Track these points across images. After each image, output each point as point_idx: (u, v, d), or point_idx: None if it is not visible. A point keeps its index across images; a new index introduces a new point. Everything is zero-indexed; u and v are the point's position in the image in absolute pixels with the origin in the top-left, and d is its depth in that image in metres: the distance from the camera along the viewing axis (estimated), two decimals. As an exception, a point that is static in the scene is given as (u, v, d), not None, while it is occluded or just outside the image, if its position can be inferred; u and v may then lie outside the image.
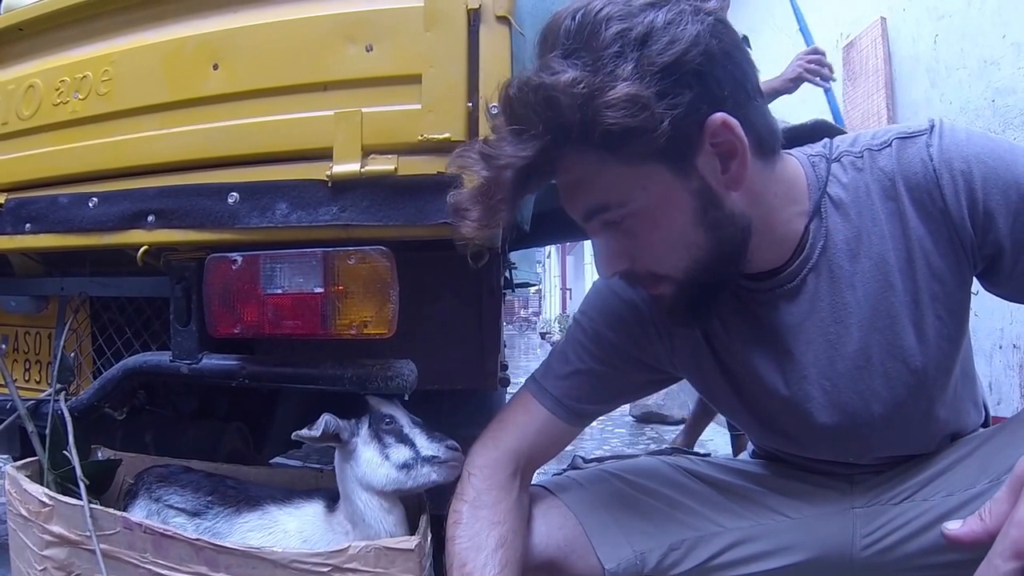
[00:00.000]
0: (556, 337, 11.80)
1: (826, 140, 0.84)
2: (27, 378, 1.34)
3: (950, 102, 2.65)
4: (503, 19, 0.95)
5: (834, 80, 2.24)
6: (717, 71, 0.68)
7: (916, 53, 2.90)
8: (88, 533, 0.89)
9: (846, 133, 0.87)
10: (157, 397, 1.36)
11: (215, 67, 1.04)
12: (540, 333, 15.99)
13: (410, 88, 0.96)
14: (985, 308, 2.09)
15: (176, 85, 1.07)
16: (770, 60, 2.38)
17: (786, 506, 0.93)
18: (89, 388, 1.15)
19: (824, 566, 0.91)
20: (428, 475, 0.91)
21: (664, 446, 2.82)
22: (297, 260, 0.97)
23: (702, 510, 0.93)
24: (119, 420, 1.18)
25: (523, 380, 0.97)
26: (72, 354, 1.24)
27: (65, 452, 1.03)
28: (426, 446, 0.92)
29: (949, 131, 0.76)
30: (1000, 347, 2.36)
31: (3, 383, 1.25)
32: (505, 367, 1.94)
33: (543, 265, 15.79)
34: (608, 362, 0.91)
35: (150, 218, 1.05)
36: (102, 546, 0.88)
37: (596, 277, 0.92)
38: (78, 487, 0.96)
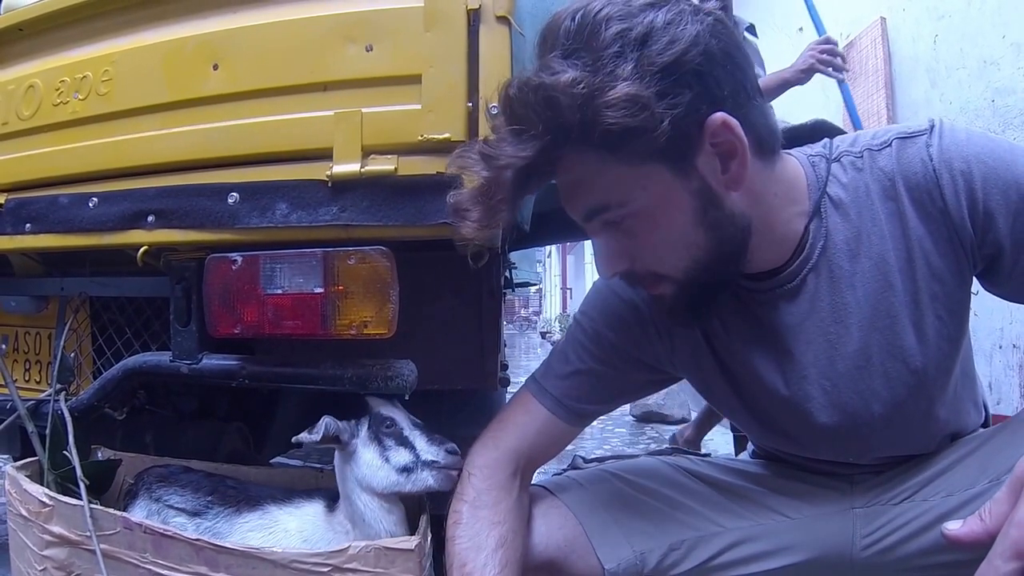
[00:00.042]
0: (556, 336, 11.80)
1: (826, 140, 0.84)
2: (27, 378, 1.34)
3: (950, 102, 2.65)
4: (503, 19, 0.95)
5: (847, 71, 2.19)
6: (717, 71, 0.68)
7: (916, 53, 2.90)
8: (88, 533, 0.89)
9: (847, 133, 0.87)
10: (157, 397, 1.36)
11: (215, 67, 1.04)
12: (540, 332, 15.99)
13: (410, 88, 0.96)
14: (985, 308, 2.09)
15: (176, 85, 1.07)
16: (770, 60, 2.37)
17: (786, 506, 0.93)
18: (89, 388, 1.15)
19: (824, 566, 0.91)
20: (427, 480, 0.91)
21: (664, 446, 2.83)
22: (297, 260, 0.97)
23: (702, 510, 0.93)
24: (119, 420, 1.18)
25: (523, 380, 0.97)
26: (72, 354, 1.24)
27: (65, 452, 1.03)
28: (426, 449, 0.92)
29: (949, 131, 0.76)
30: (1000, 347, 2.36)
31: (3, 383, 1.25)
32: (505, 367, 1.94)
33: (543, 264, 15.79)
34: (608, 362, 0.91)
35: (150, 218, 1.05)
36: (102, 546, 0.88)
37: (596, 277, 0.92)
38: (78, 487, 0.96)
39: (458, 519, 0.84)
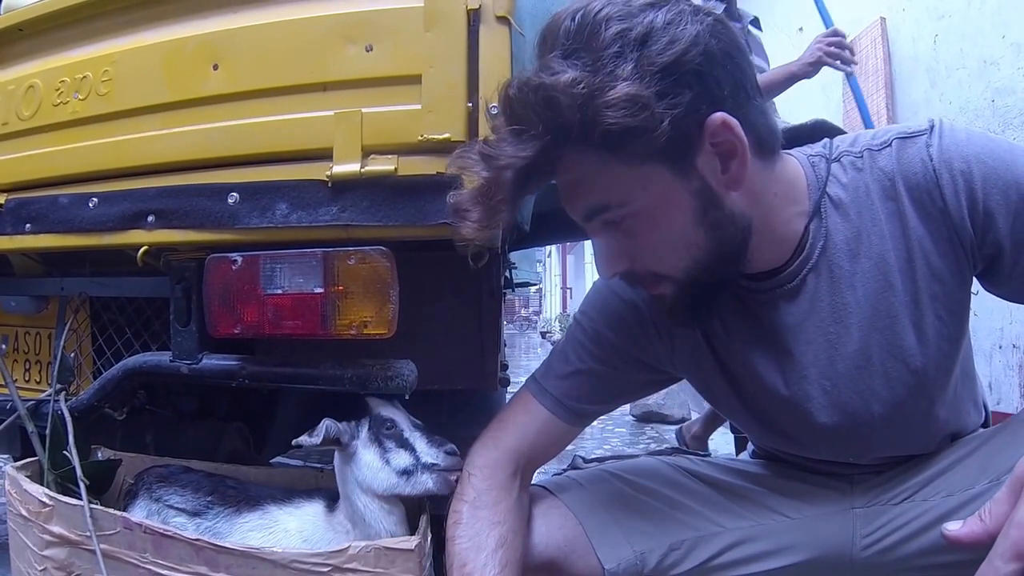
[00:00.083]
0: (557, 336, 11.80)
1: (826, 140, 0.84)
2: (27, 378, 1.35)
3: (950, 102, 2.65)
4: (503, 19, 0.95)
5: (856, 63, 2.13)
6: (717, 71, 0.68)
7: (916, 53, 2.91)
8: (88, 533, 0.89)
9: (847, 132, 0.87)
10: (157, 397, 1.36)
11: (215, 67, 1.04)
12: (541, 332, 15.99)
13: (410, 88, 0.96)
14: (985, 308, 2.09)
15: (176, 85, 1.07)
16: (770, 59, 2.37)
17: (786, 506, 0.93)
18: (89, 388, 1.15)
19: (824, 566, 0.91)
20: (427, 482, 0.91)
21: (664, 446, 2.82)
22: (297, 260, 0.97)
23: (702, 510, 0.93)
24: (119, 420, 1.18)
25: (523, 379, 0.97)
26: (72, 354, 1.24)
27: (65, 452, 1.03)
28: (426, 452, 0.92)
29: (949, 131, 0.76)
30: (1000, 347, 2.36)
31: (3, 383, 1.25)
32: (505, 367, 1.94)
33: (543, 264, 15.79)
34: (608, 362, 0.91)
35: (150, 218, 1.05)
36: (102, 546, 0.88)
37: (596, 277, 0.92)
38: (78, 487, 0.96)
39: (458, 519, 0.84)
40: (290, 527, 0.96)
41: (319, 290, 0.96)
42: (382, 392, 0.97)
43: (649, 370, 0.93)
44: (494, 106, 0.78)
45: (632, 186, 0.71)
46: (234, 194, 1.01)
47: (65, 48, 1.19)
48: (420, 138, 0.94)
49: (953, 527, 0.55)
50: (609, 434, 3.94)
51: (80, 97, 1.14)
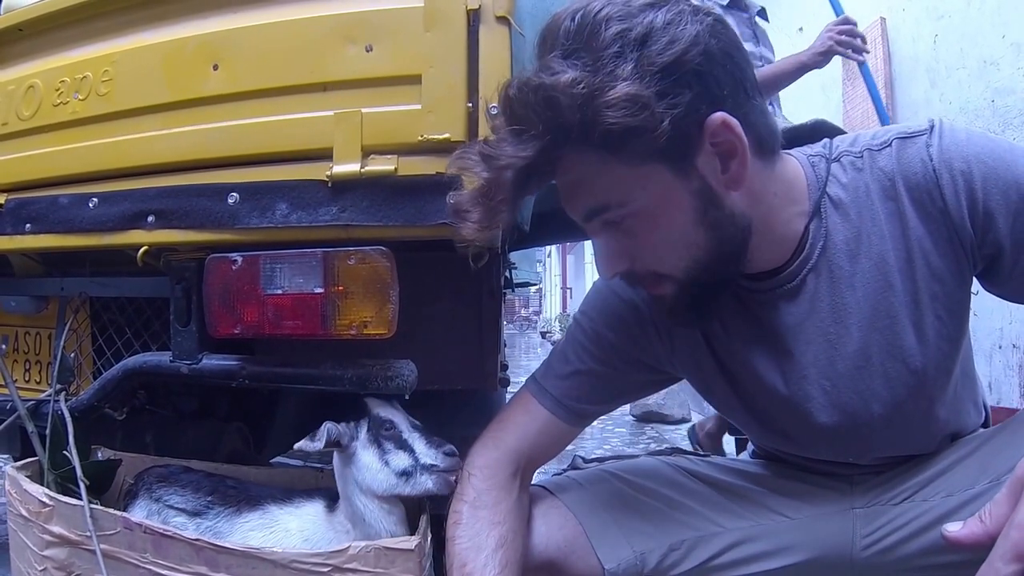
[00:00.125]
0: (557, 336, 11.81)
1: (826, 140, 0.84)
2: (27, 378, 1.35)
3: (950, 102, 2.65)
4: (503, 19, 0.95)
5: (868, 52, 2.05)
6: (716, 71, 0.68)
7: (916, 53, 2.91)
8: (88, 533, 0.89)
9: (847, 133, 0.87)
10: (157, 397, 1.36)
11: (215, 67, 1.04)
12: (541, 332, 15.99)
13: (410, 88, 0.96)
14: (985, 308, 2.10)
15: (176, 85, 1.07)
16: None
17: (786, 506, 0.93)
18: (89, 388, 1.15)
19: (824, 566, 0.91)
20: (426, 483, 0.91)
21: (664, 446, 2.82)
22: (297, 260, 0.97)
23: (702, 510, 0.93)
24: (119, 420, 1.18)
25: (523, 380, 0.97)
26: (72, 354, 1.24)
27: (65, 452, 1.03)
28: (425, 453, 0.92)
29: (949, 131, 0.76)
30: (1000, 347, 2.36)
31: (3, 383, 1.25)
32: (505, 367, 1.94)
33: (543, 264, 15.80)
34: (608, 362, 0.91)
35: (150, 218, 1.06)
36: (102, 546, 0.88)
37: (596, 277, 0.92)
38: (78, 487, 0.96)
39: (458, 519, 0.84)
40: (291, 527, 0.96)
41: (319, 290, 0.96)
42: (382, 392, 0.97)
43: (649, 370, 0.93)
44: (494, 106, 0.78)
45: (632, 186, 0.71)
46: (234, 194, 1.01)
47: (65, 48, 1.19)
48: (420, 138, 0.95)
49: (953, 528, 0.55)
50: (609, 434, 3.94)
51: (80, 97, 1.14)
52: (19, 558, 0.99)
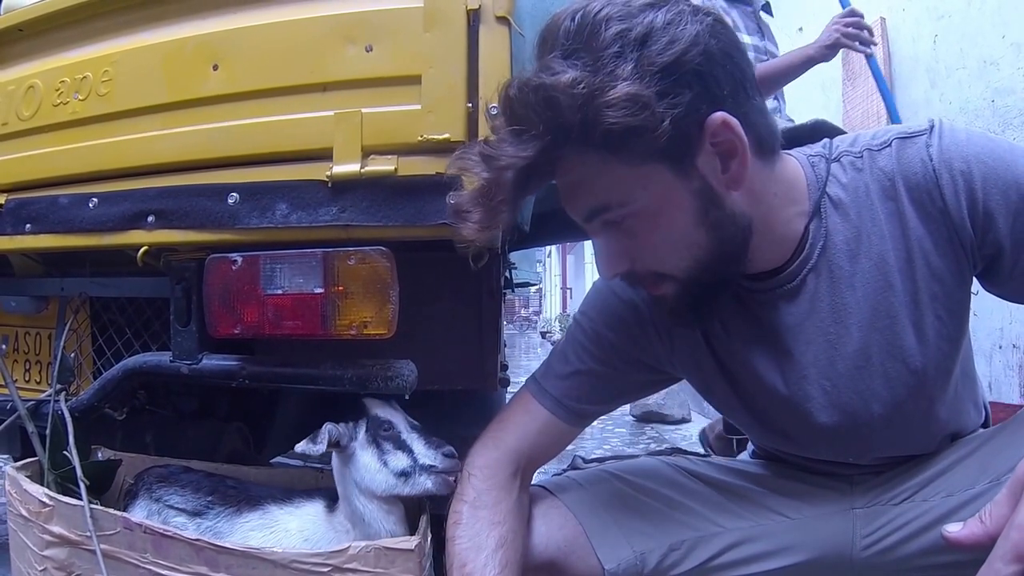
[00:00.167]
0: (556, 336, 11.81)
1: (826, 140, 0.84)
2: (27, 378, 1.35)
3: (950, 102, 2.65)
4: (503, 20, 0.95)
5: (875, 44, 2.01)
6: (716, 71, 0.69)
7: (916, 53, 2.90)
8: (88, 533, 0.89)
9: (847, 133, 0.87)
10: (157, 397, 1.36)
11: (215, 68, 1.04)
12: (541, 332, 15.99)
13: (410, 89, 0.96)
14: (985, 308, 2.09)
15: (176, 86, 1.07)
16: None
17: (786, 506, 0.93)
18: (89, 388, 1.15)
19: (824, 566, 0.91)
20: (425, 484, 0.92)
21: (664, 446, 2.82)
22: (297, 260, 0.97)
23: (702, 510, 0.93)
24: (119, 420, 1.18)
25: (523, 380, 0.97)
26: (72, 354, 1.24)
27: (65, 452, 1.03)
28: (424, 453, 0.92)
29: (949, 131, 0.76)
30: (1000, 347, 2.36)
31: (3, 383, 1.25)
32: (505, 367, 1.94)
33: (543, 264, 15.80)
34: (608, 362, 0.91)
35: (150, 218, 1.06)
36: (102, 546, 0.88)
37: (596, 277, 0.92)
38: (78, 487, 0.96)
39: (458, 519, 0.84)
40: (291, 527, 0.96)
41: (319, 290, 0.96)
42: (382, 392, 0.97)
43: (649, 370, 0.93)
44: (494, 106, 0.78)
45: (633, 186, 0.71)
46: (234, 194, 1.01)
47: (65, 48, 1.19)
48: (420, 138, 0.95)
49: (953, 529, 0.55)
50: (609, 434, 3.94)
51: (80, 97, 1.14)
52: (19, 558, 0.99)
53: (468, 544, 0.81)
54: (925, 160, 0.75)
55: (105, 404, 1.12)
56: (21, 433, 1.30)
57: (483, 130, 0.91)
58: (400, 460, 0.92)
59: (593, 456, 1.05)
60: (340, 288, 0.96)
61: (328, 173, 0.96)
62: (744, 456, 1.08)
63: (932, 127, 0.77)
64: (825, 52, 1.91)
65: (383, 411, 0.96)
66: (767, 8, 2.22)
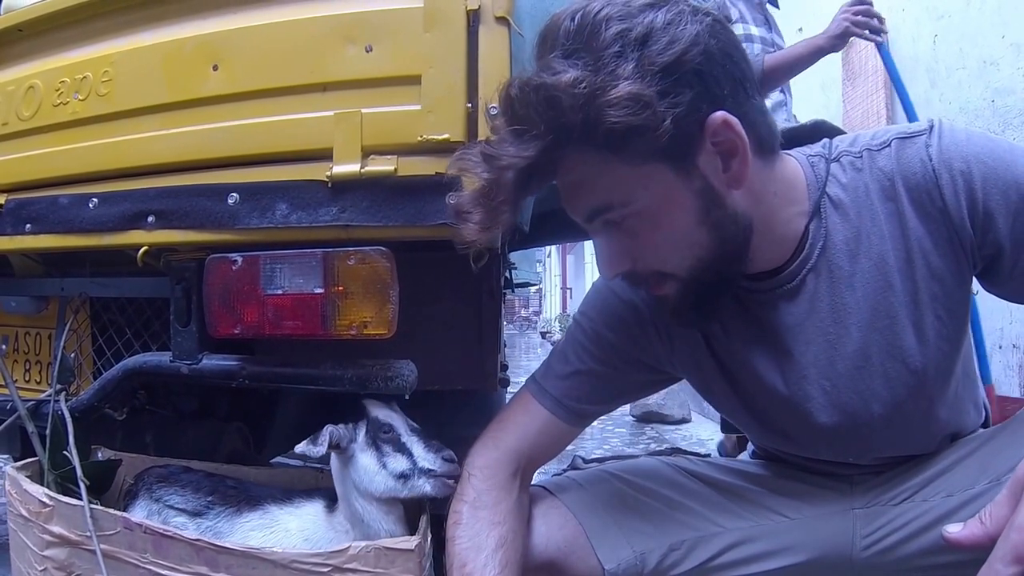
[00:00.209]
0: (556, 336, 11.81)
1: (825, 140, 0.84)
2: (27, 378, 1.35)
3: (950, 102, 2.64)
4: (502, 20, 0.95)
5: (886, 32, 1.97)
6: (717, 70, 0.69)
7: (916, 53, 2.90)
8: (88, 533, 0.89)
9: (847, 133, 0.87)
10: (157, 397, 1.36)
11: (215, 68, 1.04)
12: (540, 332, 16.00)
13: (410, 89, 0.96)
14: (985, 308, 2.09)
15: (176, 86, 1.07)
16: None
17: (786, 507, 0.93)
18: (89, 388, 1.15)
19: (824, 567, 0.91)
20: (424, 487, 0.92)
21: (664, 446, 2.82)
22: (297, 260, 0.97)
23: (702, 510, 0.93)
24: (119, 420, 1.18)
25: (523, 380, 0.97)
26: (72, 354, 1.24)
27: (65, 452, 1.03)
28: (423, 457, 0.92)
29: (948, 131, 0.76)
30: (1000, 347, 2.36)
31: (3, 383, 1.25)
32: (505, 367, 1.94)
33: (543, 264, 15.81)
34: (608, 362, 0.91)
35: (150, 219, 1.06)
36: (102, 546, 0.88)
37: (596, 277, 0.92)
38: (78, 487, 0.96)
39: (458, 519, 0.84)
40: (291, 527, 0.96)
41: (319, 290, 0.96)
42: (382, 392, 0.97)
43: (649, 370, 0.93)
44: (494, 107, 0.78)
45: (634, 186, 0.71)
46: (234, 194, 1.01)
47: (65, 48, 1.19)
48: (420, 138, 0.95)
49: (953, 529, 0.55)
50: (609, 434, 3.94)
51: (80, 97, 1.14)
52: (19, 558, 0.99)
53: (468, 544, 0.81)
54: (925, 160, 0.75)
55: (105, 404, 1.12)
56: (21, 433, 1.30)
57: (483, 130, 0.91)
58: (399, 463, 0.92)
59: (593, 456, 1.05)
60: (340, 288, 0.96)
61: (328, 173, 0.96)
62: (744, 456, 1.08)
63: (931, 127, 0.77)
64: (835, 42, 1.87)
65: (383, 413, 0.96)
66: (773, 0, 2.21)
